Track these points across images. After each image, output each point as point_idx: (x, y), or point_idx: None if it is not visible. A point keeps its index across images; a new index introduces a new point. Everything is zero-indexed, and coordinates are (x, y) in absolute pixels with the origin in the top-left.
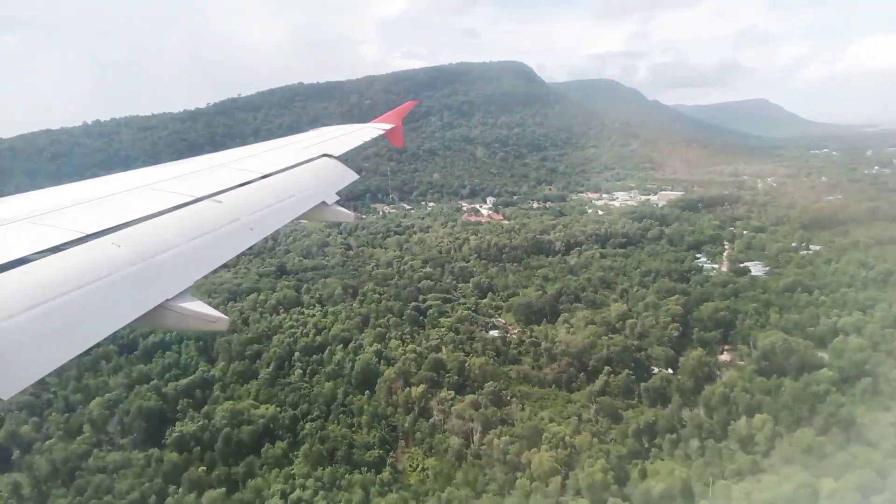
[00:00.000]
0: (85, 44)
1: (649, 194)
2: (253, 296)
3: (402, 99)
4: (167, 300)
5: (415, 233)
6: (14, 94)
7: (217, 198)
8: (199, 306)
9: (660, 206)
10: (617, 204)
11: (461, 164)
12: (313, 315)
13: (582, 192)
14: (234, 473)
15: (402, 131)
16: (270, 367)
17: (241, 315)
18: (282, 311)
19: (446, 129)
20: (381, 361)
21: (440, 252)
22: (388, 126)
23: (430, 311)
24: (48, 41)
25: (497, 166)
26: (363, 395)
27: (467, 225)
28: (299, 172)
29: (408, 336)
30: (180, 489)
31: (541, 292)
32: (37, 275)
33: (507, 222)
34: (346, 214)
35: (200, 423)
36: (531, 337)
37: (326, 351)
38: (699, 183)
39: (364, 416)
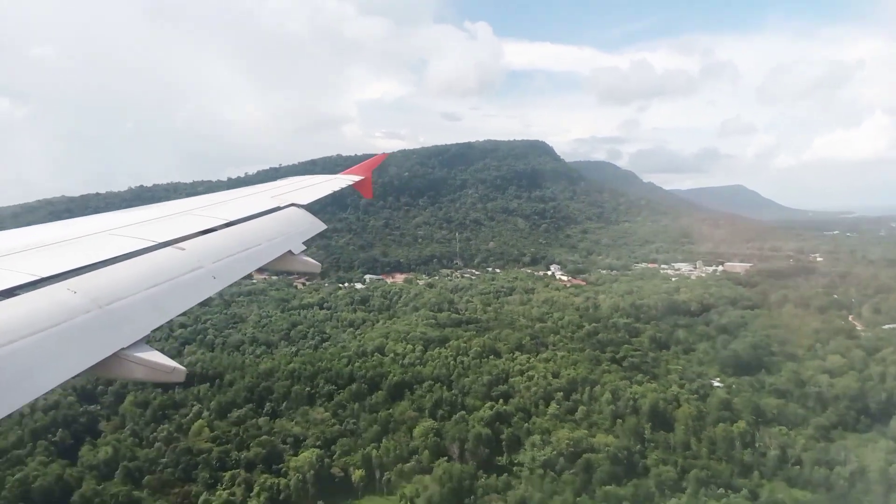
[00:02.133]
0: (82, 117)
1: (712, 265)
2: (453, 343)
3: (435, 173)
4: (122, 349)
5: (523, 293)
6: (22, 161)
7: (180, 244)
8: (155, 356)
9: (742, 275)
10: (684, 273)
11: (508, 234)
12: (526, 361)
13: (638, 263)
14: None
15: (371, 183)
16: (549, 405)
17: (455, 359)
18: (491, 357)
19: (484, 200)
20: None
21: (577, 309)
22: (357, 178)
23: (632, 359)
24: (50, 115)
25: (543, 237)
26: (661, 430)
27: (577, 288)
28: (266, 221)
29: (650, 380)
30: None
31: (732, 346)
32: None
33: (595, 286)
34: (313, 265)
35: (549, 449)
36: (768, 386)
37: (584, 392)
38: (748, 257)
39: (703, 448)
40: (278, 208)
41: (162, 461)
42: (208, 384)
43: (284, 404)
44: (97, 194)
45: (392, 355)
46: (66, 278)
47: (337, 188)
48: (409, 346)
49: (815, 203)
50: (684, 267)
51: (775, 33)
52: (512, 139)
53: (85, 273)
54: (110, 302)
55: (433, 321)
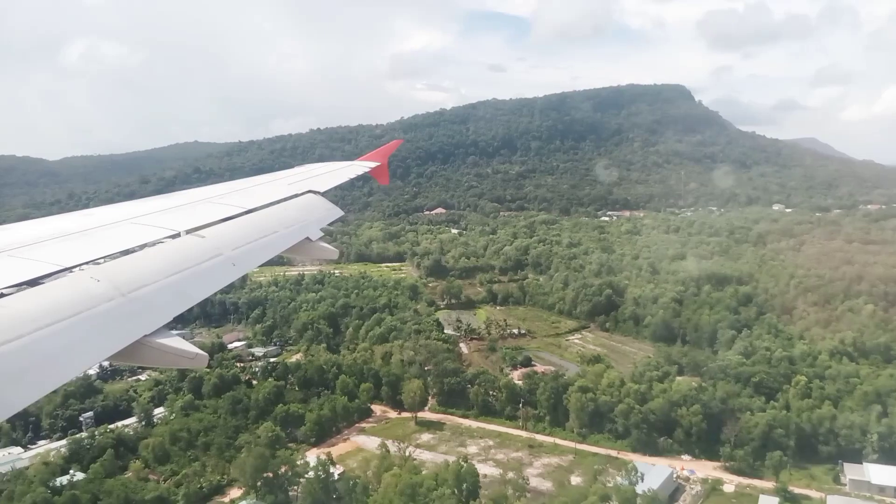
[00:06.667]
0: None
1: None
2: None
3: (590, 117)
4: (145, 336)
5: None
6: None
7: (200, 233)
8: (178, 342)
9: None
10: None
11: (696, 176)
12: None
13: (864, 205)
14: None
15: (387, 169)
16: None
17: None
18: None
19: (648, 144)
20: None
21: None
22: (373, 164)
23: None
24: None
25: (731, 178)
26: None
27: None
28: (284, 208)
29: None
30: None
31: None
32: (10, 309)
33: None
34: (331, 251)
35: None
36: None
37: None
38: None
39: None
40: (296, 195)
41: None
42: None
43: None
44: (196, 142)
45: None
46: (89, 267)
47: (353, 175)
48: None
49: (880, 156)
50: None
51: None
52: (653, 83)
53: (108, 262)
54: (133, 290)
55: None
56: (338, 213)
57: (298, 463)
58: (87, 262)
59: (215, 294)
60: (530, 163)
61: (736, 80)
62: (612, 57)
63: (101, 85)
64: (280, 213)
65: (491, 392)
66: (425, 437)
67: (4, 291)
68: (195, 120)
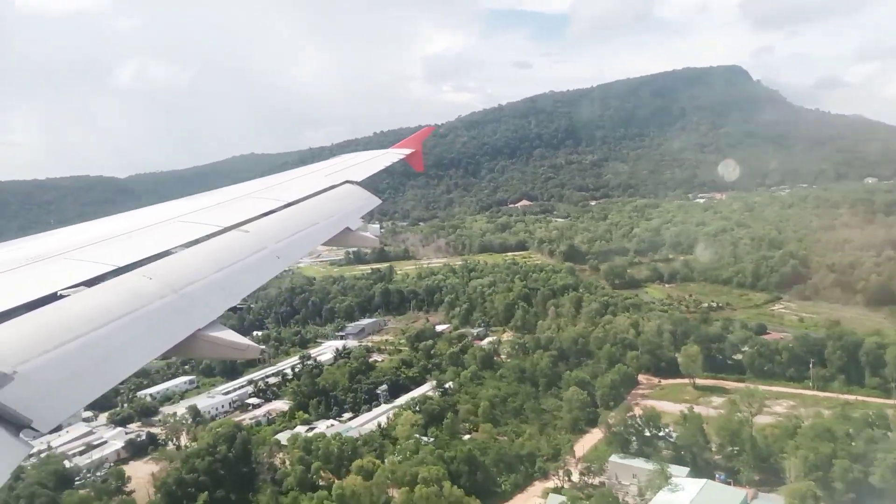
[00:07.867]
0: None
1: None
2: None
3: (650, 103)
4: (198, 330)
5: None
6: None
7: (243, 227)
8: (230, 335)
9: None
10: None
11: (773, 155)
12: None
13: None
14: None
15: (421, 156)
16: None
17: None
18: None
19: (715, 127)
20: None
21: None
22: (408, 151)
23: None
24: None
25: (808, 156)
26: None
27: None
28: (323, 199)
29: None
30: None
31: None
32: (69, 310)
33: None
34: (371, 240)
35: None
36: None
37: None
38: None
39: None
40: (334, 186)
41: None
42: None
43: None
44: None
45: None
46: (141, 265)
47: (388, 163)
48: None
49: None
50: None
51: None
52: (709, 66)
53: (159, 260)
54: (184, 286)
55: None
56: (375, 201)
57: (652, 414)
58: (139, 261)
59: (384, 284)
60: (598, 152)
61: (777, 60)
62: (641, 45)
63: (149, 106)
64: (319, 205)
65: (766, 354)
66: (715, 399)
67: (64, 293)
68: (242, 133)
